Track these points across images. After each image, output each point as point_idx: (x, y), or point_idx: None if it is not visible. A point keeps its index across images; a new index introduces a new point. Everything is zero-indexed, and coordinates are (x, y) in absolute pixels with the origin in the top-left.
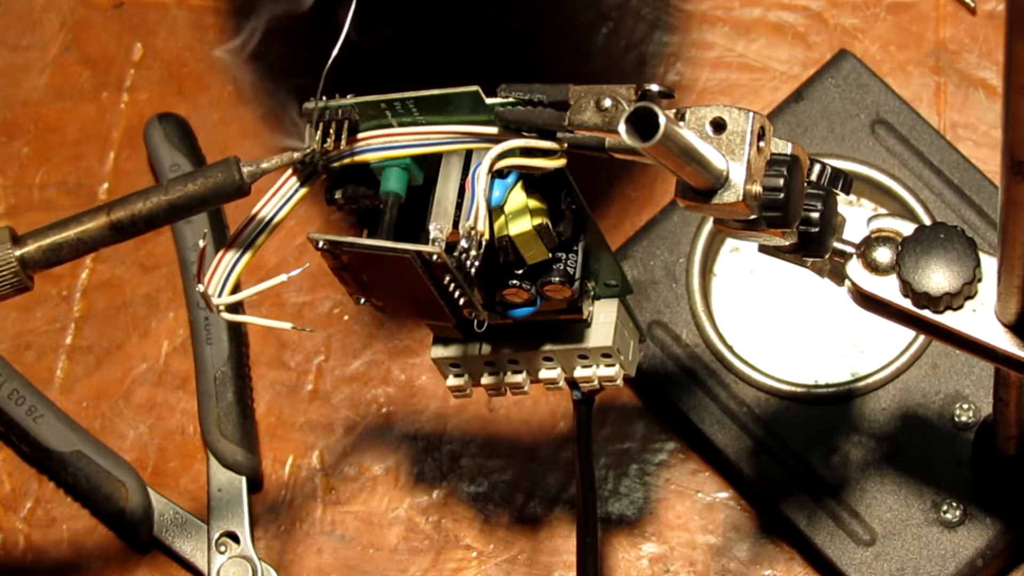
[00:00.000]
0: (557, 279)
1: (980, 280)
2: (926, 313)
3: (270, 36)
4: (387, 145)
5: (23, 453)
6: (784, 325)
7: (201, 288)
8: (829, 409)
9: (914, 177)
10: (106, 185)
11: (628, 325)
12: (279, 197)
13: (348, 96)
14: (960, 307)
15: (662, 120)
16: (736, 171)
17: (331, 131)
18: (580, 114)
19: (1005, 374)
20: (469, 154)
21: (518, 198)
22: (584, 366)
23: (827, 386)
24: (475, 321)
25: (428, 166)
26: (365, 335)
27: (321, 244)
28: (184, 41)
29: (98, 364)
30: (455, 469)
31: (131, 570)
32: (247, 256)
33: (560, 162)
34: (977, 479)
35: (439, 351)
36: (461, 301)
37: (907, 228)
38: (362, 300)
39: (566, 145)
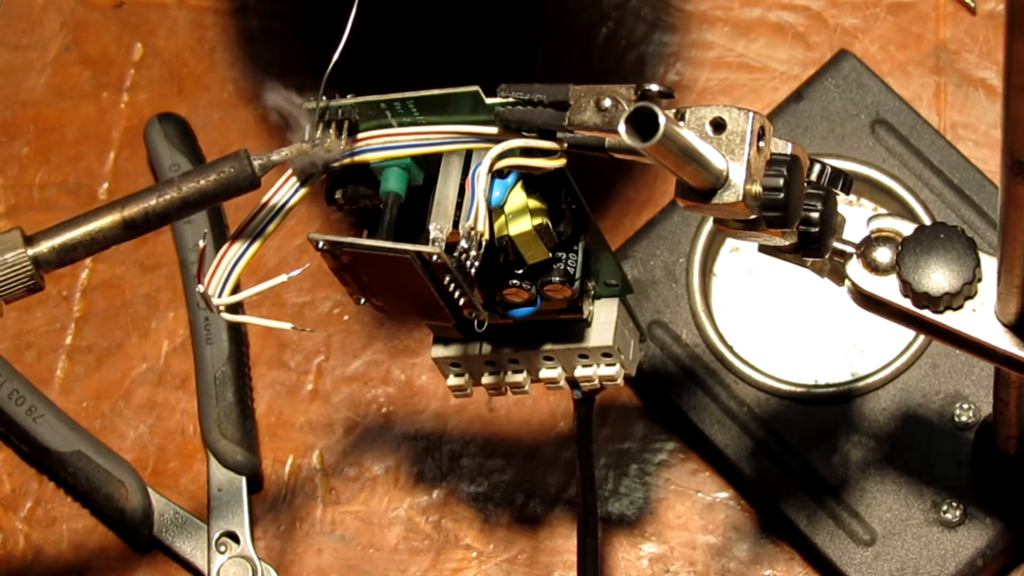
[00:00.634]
0: (557, 279)
1: (980, 280)
2: (926, 313)
3: (270, 36)
4: (387, 145)
5: (23, 453)
6: (784, 325)
7: (201, 288)
8: (829, 409)
9: (914, 177)
10: (106, 185)
11: (628, 324)
12: (279, 197)
13: (348, 96)
14: (960, 307)
15: (662, 120)
16: (736, 171)
17: (331, 131)
18: (580, 114)
19: (1005, 374)
20: (469, 154)
21: (518, 198)
22: (585, 365)
23: (827, 386)
24: (475, 321)
25: (428, 166)
26: (365, 335)
27: (321, 244)
28: (184, 41)
29: (98, 364)
30: (455, 469)
31: (131, 570)
32: (247, 256)
33: (560, 162)
34: (977, 479)
35: (439, 351)
36: (461, 301)
37: (907, 228)
38: (362, 300)
39: (566, 145)
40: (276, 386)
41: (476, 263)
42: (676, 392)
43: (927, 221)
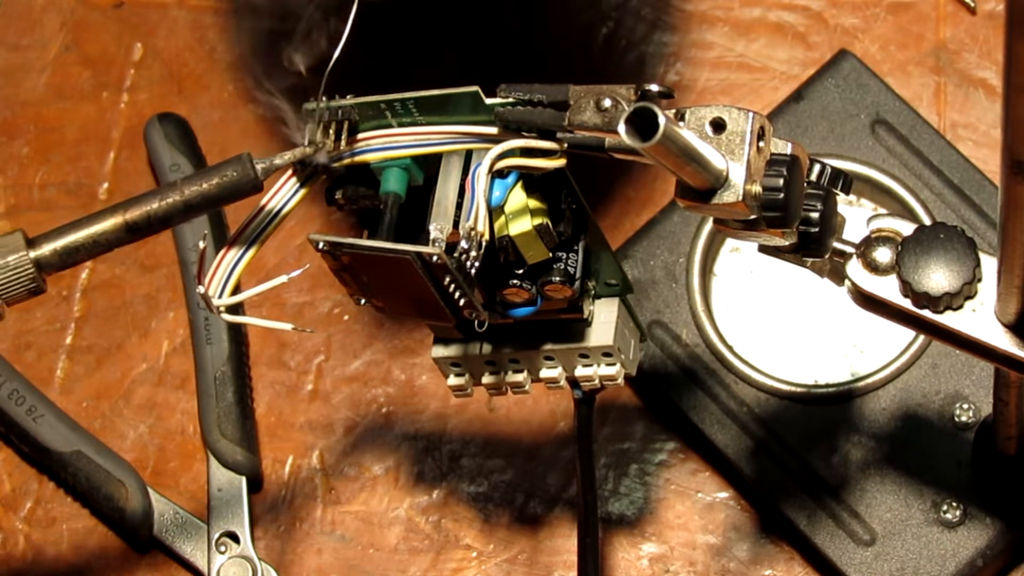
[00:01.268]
0: (558, 279)
1: (980, 280)
2: (926, 313)
3: (271, 36)
4: (387, 145)
5: (23, 453)
6: (784, 325)
7: (201, 289)
8: (829, 409)
9: (914, 177)
10: (106, 185)
11: (629, 324)
12: (279, 198)
13: (348, 96)
14: (960, 307)
15: (662, 120)
16: (736, 171)
17: (331, 131)
18: (580, 114)
19: (1005, 374)
20: (469, 154)
21: (518, 198)
22: (585, 365)
23: (827, 386)
24: (475, 321)
25: (428, 166)
26: (365, 335)
27: (321, 245)
28: (184, 41)
29: (98, 364)
30: (455, 469)
31: (131, 570)
32: (247, 257)
33: (560, 162)
34: (977, 479)
35: (440, 351)
36: (461, 301)
37: (907, 228)
38: (362, 301)
39: (566, 145)
40: (276, 386)
41: (476, 263)
42: (676, 392)
43: (927, 221)
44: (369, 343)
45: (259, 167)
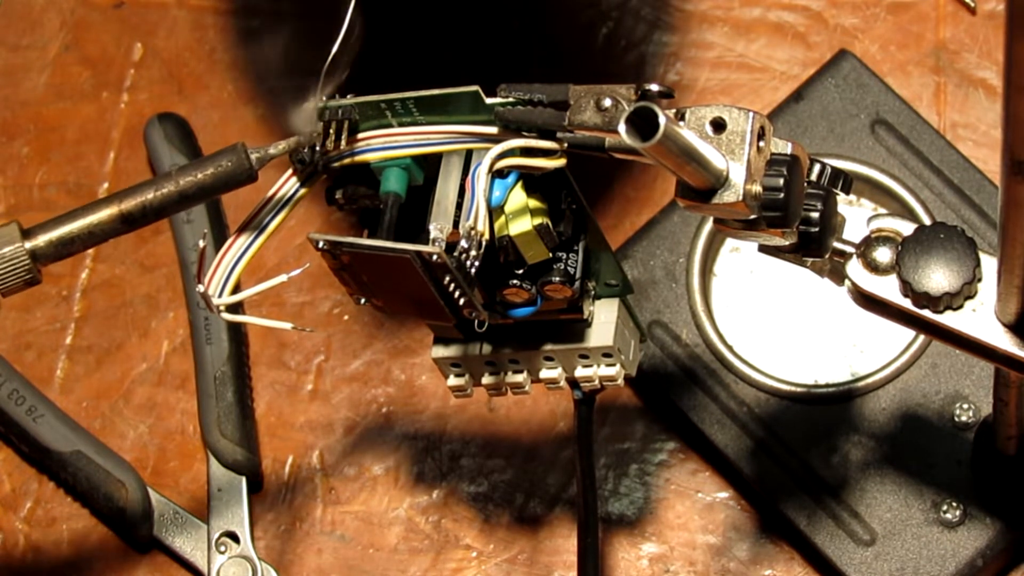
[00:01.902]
0: (558, 279)
1: (980, 280)
2: (926, 313)
3: (270, 36)
4: (387, 145)
5: (23, 453)
6: (784, 325)
7: (201, 288)
8: (829, 409)
9: (914, 177)
10: (106, 185)
11: (629, 324)
12: (279, 197)
13: (348, 96)
14: (960, 307)
15: (662, 120)
16: (736, 171)
17: (331, 131)
18: (580, 114)
19: (1005, 374)
20: (469, 154)
21: (518, 198)
22: (585, 366)
23: (827, 386)
24: (475, 321)
25: (428, 166)
26: (365, 335)
27: (321, 244)
28: (184, 41)
29: (98, 364)
30: (455, 469)
31: (131, 570)
32: (247, 256)
33: (560, 162)
34: (977, 479)
35: (440, 351)
36: (461, 301)
37: (907, 228)
38: (362, 300)
39: (566, 145)
40: (276, 386)
41: (476, 263)
42: (676, 392)
43: (927, 221)
44: (369, 343)
45: (253, 156)
